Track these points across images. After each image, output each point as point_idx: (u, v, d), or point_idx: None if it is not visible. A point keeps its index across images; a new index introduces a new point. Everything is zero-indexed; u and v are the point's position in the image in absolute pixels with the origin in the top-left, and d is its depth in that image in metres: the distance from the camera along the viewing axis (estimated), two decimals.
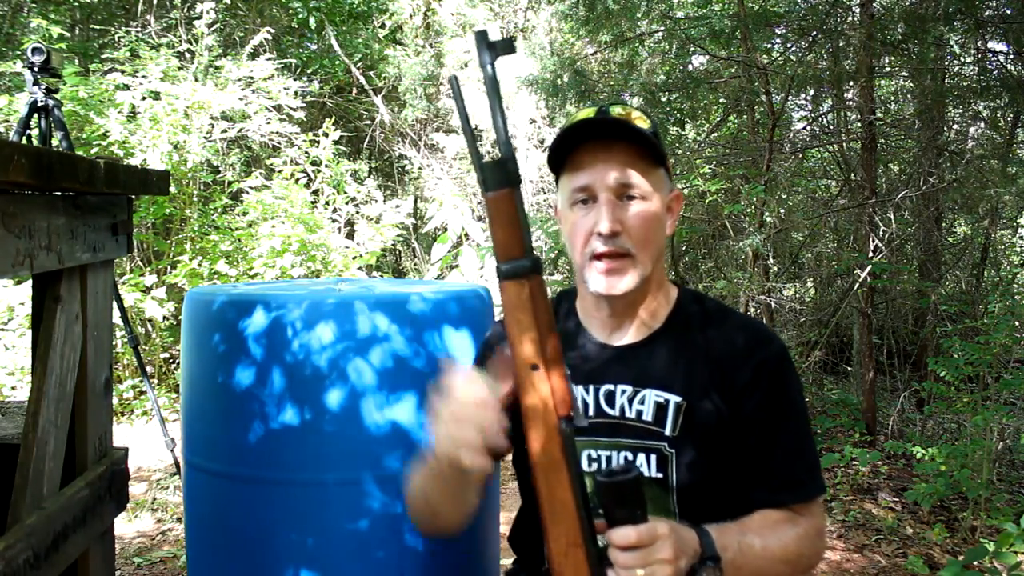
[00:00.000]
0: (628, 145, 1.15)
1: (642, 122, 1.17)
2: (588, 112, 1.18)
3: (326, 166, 6.19)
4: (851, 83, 4.95)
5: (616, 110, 1.17)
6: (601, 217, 1.13)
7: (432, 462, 1.08)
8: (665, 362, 1.20)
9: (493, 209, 0.90)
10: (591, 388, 1.22)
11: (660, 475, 1.16)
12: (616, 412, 1.19)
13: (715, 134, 6.95)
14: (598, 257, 1.14)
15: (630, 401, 1.19)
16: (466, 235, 6.52)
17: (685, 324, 1.23)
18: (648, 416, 1.18)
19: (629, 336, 1.23)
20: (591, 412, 1.20)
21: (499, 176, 0.90)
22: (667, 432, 1.16)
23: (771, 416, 1.17)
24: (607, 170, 1.14)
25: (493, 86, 0.90)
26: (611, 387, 1.20)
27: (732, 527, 1.08)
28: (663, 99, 5.70)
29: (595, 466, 1.18)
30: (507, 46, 0.90)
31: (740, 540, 1.06)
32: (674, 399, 1.17)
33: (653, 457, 1.17)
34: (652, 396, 1.18)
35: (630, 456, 1.17)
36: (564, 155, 1.18)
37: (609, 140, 1.15)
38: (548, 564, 0.94)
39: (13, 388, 4.58)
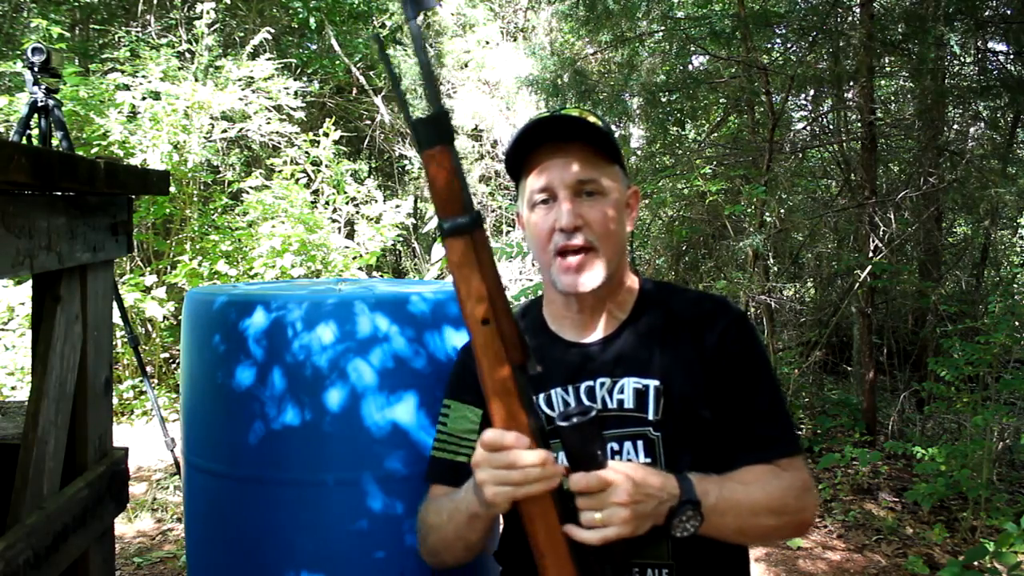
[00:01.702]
0: (583, 144, 1.17)
1: (596, 123, 1.19)
2: (541, 115, 1.20)
3: (326, 166, 6.19)
4: (851, 83, 4.95)
5: (571, 113, 1.19)
6: (562, 213, 1.16)
7: (452, 506, 1.13)
8: (638, 348, 1.23)
9: (430, 166, 0.89)
10: (570, 388, 1.24)
11: (649, 460, 1.18)
12: (598, 405, 1.21)
13: (715, 134, 6.96)
14: (562, 253, 1.17)
15: (610, 392, 1.21)
16: None
17: (651, 311, 1.26)
18: (629, 403, 1.20)
19: (600, 331, 1.25)
20: None
21: (432, 133, 0.88)
22: (650, 416, 1.19)
23: (741, 382, 1.20)
24: (564, 168, 1.16)
25: (419, 41, 0.89)
26: (590, 383, 1.22)
27: (714, 476, 1.09)
28: (663, 99, 5.70)
29: None
30: None
31: (722, 486, 1.07)
32: (652, 383, 1.19)
33: (640, 443, 1.19)
34: (631, 383, 1.20)
35: (615, 446, 1.19)
36: (521, 159, 1.21)
37: (564, 141, 1.17)
38: (519, 512, 0.96)
39: (13, 388, 4.58)
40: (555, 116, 1.17)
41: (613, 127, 6.79)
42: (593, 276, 1.17)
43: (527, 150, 1.19)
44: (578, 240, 1.16)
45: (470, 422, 1.29)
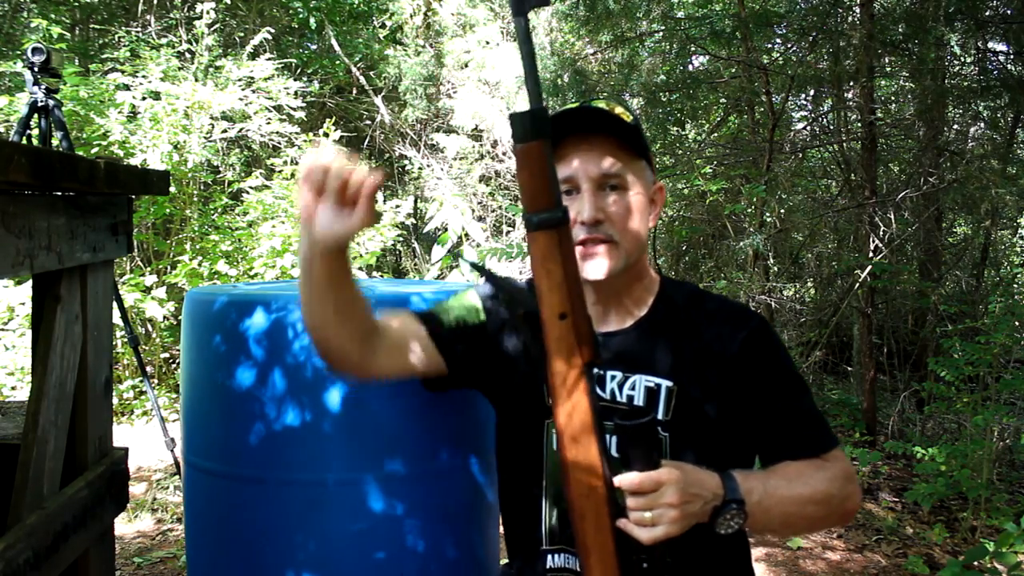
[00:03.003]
0: (608, 137, 1.17)
1: (624, 116, 1.18)
2: (568, 106, 1.20)
3: None
4: (851, 83, 4.95)
5: (600, 104, 1.19)
6: (584, 206, 1.16)
7: (302, 261, 1.07)
8: (653, 347, 1.22)
9: (523, 160, 0.90)
10: None
11: None
12: (607, 396, 1.21)
13: (715, 134, 6.95)
14: (581, 243, 1.17)
15: (620, 386, 1.21)
16: (466, 235, 6.51)
17: (669, 309, 1.25)
18: (640, 401, 1.19)
19: (616, 323, 1.25)
20: None
21: (529, 127, 0.90)
22: (660, 416, 1.18)
23: (770, 385, 1.19)
24: (588, 161, 1.16)
25: (526, 38, 0.90)
26: (599, 371, 1.22)
27: (758, 472, 1.10)
28: (663, 99, 5.70)
29: None
30: None
31: (766, 483, 1.08)
32: (665, 383, 1.19)
33: None
34: (642, 381, 1.20)
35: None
36: None
37: (590, 133, 1.17)
38: (568, 507, 0.97)
39: (13, 388, 4.58)
40: (582, 108, 1.17)
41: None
42: (611, 265, 1.17)
43: (554, 141, 1.19)
44: (599, 234, 1.16)
45: (468, 313, 1.29)
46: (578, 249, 1.17)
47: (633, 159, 1.19)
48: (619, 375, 1.21)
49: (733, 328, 1.21)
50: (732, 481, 1.04)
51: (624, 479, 0.96)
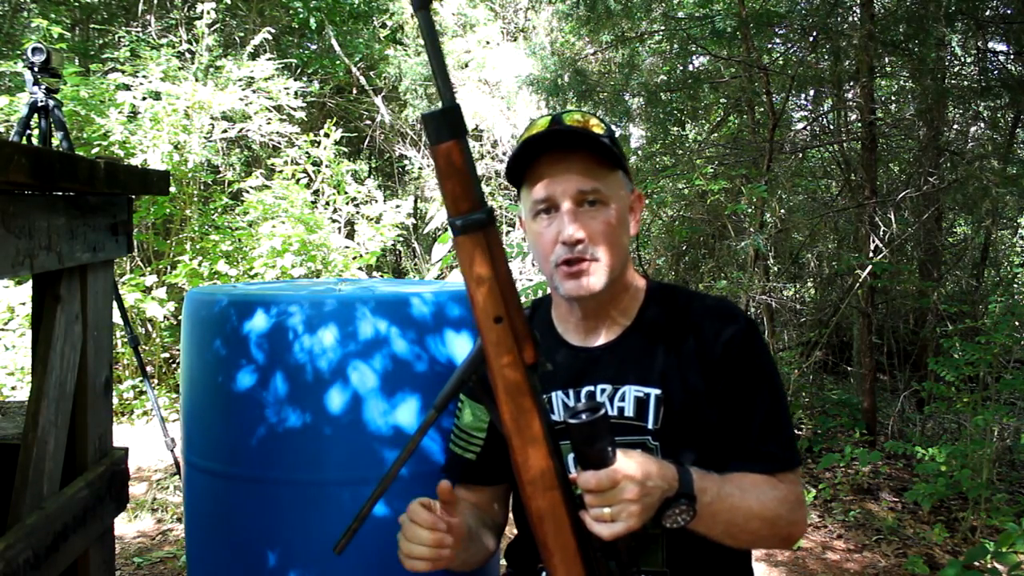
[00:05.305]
0: (585, 153, 1.16)
1: (598, 128, 1.17)
2: (543, 123, 1.19)
3: (326, 166, 6.19)
4: (851, 83, 4.94)
5: (574, 117, 1.18)
6: (564, 226, 1.15)
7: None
8: (640, 357, 1.22)
9: (440, 162, 0.87)
10: (571, 392, 1.24)
11: None
12: None
13: (715, 134, 6.95)
14: (565, 263, 1.16)
15: (611, 399, 1.21)
16: None
17: (656, 317, 1.25)
18: (630, 412, 1.19)
19: (603, 336, 1.25)
20: None
21: (443, 127, 0.86)
22: (649, 426, 1.18)
23: (743, 393, 1.19)
24: (566, 180, 1.15)
25: (429, 31, 0.86)
26: (591, 388, 1.22)
27: (715, 475, 1.09)
28: (663, 99, 5.70)
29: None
30: None
31: (721, 487, 1.07)
32: (654, 392, 1.19)
33: None
34: (632, 392, 1.20)
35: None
36: (523, 169, 1.19)
37: (565, 150, 1.16)
38: (526, 510, 0.95)
39: (13, 388, 4.58)
40: (555, 128, 1.16)
41: (614, 127, 6.77)
42: (595, 281, 1.16)
43: (528, 160, 1.18)
44: (581, 253, 1.15)
45: (479, 420, 1.30)
46: (561, 269, 1.17)
47: (609, 172, 1.18)
48: (608, 388, 1.21)
49: (717, 331, 1.21)
50: (688, 475, 1.03)
51: (581, 478, 0.94)
